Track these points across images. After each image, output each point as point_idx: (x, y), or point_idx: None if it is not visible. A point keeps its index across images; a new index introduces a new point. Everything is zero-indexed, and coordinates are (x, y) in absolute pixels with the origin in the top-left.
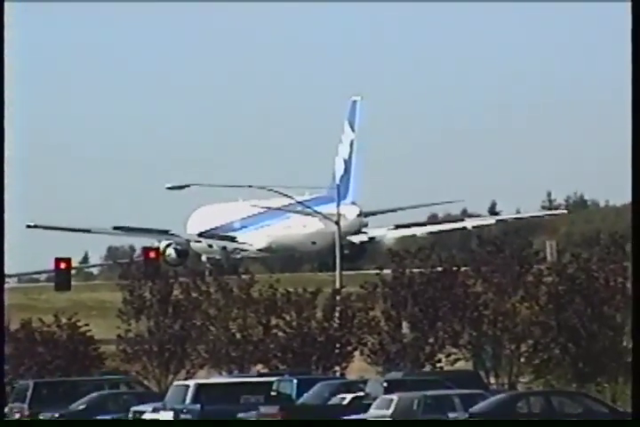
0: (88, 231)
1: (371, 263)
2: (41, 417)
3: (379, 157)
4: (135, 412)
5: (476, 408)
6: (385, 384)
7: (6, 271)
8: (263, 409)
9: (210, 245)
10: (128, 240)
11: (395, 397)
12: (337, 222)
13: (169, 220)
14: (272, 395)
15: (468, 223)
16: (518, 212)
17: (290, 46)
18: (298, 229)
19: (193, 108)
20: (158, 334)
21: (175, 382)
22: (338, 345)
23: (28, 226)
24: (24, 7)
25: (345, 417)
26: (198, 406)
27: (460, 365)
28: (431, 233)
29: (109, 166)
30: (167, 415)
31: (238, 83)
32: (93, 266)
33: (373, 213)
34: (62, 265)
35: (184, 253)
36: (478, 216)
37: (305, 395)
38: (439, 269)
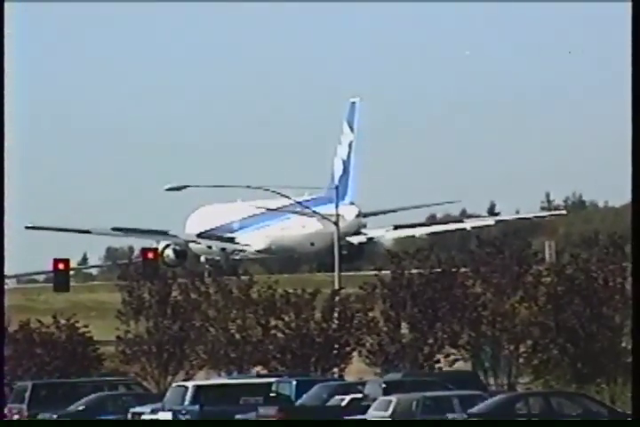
0: (87, 232)
1: (369, 264)
2: (39, 418)
3: (377, 158)
4: (134, 413)
5: (474, 409)
6: (384, 385)
7: (5, 272)
8: (262, 410)
9: (209, 246)
10: (127, 241)
11: (393, 398)
12: (336, 223)
13: (168, 221)
14: (271, 396)
15: (467, 224)
16: (517, 212)
17: (288, 47)
18: (297, 229)
19: (192, 108)
20: (157, 335)
21: (174, 384)
22: (336, 346)
23: (27, 227)
24: (24, 7)
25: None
26: (197, 407)
27: (459, 365)
28: (430, 234)
29: (108, 168)
30: (166, 416)
31: (237, 83)
32: (92, 267)
33: (372, 214)
34: (61, 266)
35: (183, 253)
36: (477, 217)
37: (304, 396)
38: (438, 269)
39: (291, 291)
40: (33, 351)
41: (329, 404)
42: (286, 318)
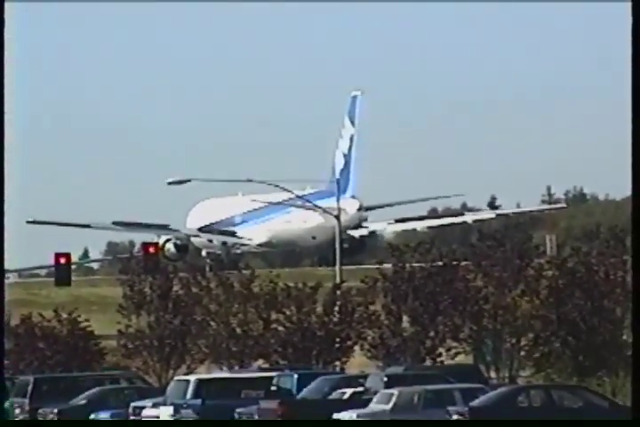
0: (88, 226)
1: (371, 258)
2: (40, 412)
3: (379, 152)
4: (135, 407)
5: (476, 402)
6: (385, 379)
7: (6, 267)
8: (263, 404)
9: (210, 240)
10: (128, 235)
11: (395, 391)
12: (337, 217)
13: (169, 215)
14: (272, 390)
15: (469, 217)
16: (518, 206)
17: (290, 42)
18: (298, 223)
19: (193, 103)
20: (159, 330)
21: (176, 378)
22: (338, 340)
23: (28, 221)
24: (24, 7)
25: (344, 412)
26: (199, 401)
27: (461, 359)
28: (431, 227)
29: (109, 162)
30: (167, 410)
31: (239, 78)
32: (93, 261)
33: (373, 208)
34: (62, 260)
35: (184, 248)
36: (478, 210)
37: (305, 390)
38: (439, 263)
39: (292, 285)
40: (35, 346)
41: (330, 397)
42: (287, 312)
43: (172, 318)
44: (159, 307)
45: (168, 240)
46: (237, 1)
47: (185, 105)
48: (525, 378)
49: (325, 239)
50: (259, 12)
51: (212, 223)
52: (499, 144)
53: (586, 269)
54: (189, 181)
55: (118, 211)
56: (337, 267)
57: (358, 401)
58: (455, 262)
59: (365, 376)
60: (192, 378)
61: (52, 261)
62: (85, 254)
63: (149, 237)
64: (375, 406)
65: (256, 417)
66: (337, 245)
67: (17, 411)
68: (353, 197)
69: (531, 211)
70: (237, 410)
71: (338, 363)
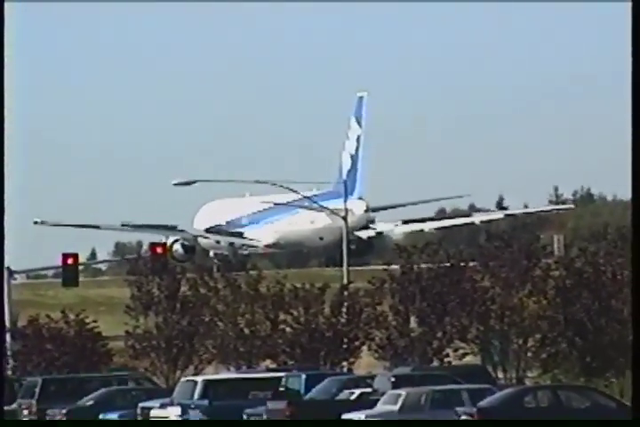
0: (96, 227)
1: (378, 259)
2: (49, 413)
3: (386, 153)
4: (143, 408)
5: (483, 403)
6: (393, 379)
7: (13, 268)
8: (271, 404)
9: (217, 241)
10: (135, 236)
11: (403, 392)
12: (344, 218)
13: (176, 216)
14: (280, 390)
15: (476, 218)
16: (526, 206)
17: (297, 42)
18: (305, 224)
19: (199, 104)
20: (166, 330)
21: (183, 378)
22: (345, 340)
23: (36, 222)
24: (24, 7)
25: (353, 412)
26: (206, 401)
27: (468, 359)
28: (439, 228)
29: (116, 163)
30: (175, 411)
31: (245, 79)
32: (101, 262)
33: (381, 209)
34: (70, 261)
35: (191, 248)
36: (486, 211)
37: (313, 390)
38: (447, 264)
39: (299, 286)
40: (42, 347)
41: (338, 398)
42: (295, 313)
43: (180, 318)
44: (167, 308)
45: (176, 241)
46: (243, 1)
47: (192, 106)
48: (533, 379)
49: (333, 240)
50: (265, 12)
51: (220, 224)
52: (506, 145)
53: (593, 269)
54: (195, 182)
55: (126, 212)
56: (344, 268)
57: (366, 402)
58: (463, 263)
59: (373, 377)
60: (200, 379)
61: (59, 262)
62: (93, 255)
63: (157, 237)
64: (383, 406)
65: (264, 418)
66: (344, 246)
67: (25, 412)
68: (360, 198)
69: (538, 211)
70: (246, 411)
71: (345, 364)
